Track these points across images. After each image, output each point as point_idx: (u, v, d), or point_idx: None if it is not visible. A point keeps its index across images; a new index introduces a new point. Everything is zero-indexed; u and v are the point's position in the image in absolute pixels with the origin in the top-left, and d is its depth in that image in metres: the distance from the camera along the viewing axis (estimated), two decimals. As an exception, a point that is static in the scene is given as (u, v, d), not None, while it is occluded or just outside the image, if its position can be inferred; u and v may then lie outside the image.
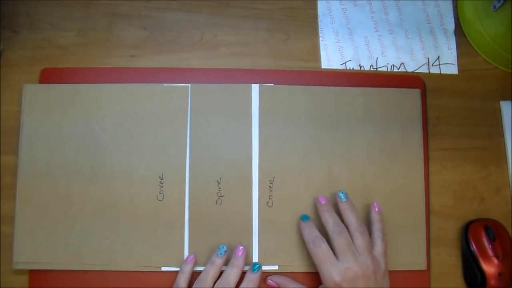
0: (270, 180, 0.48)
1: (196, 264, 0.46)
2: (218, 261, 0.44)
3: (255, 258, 0.46)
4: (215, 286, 0.43)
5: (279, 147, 0.48)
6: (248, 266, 0.45)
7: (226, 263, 0.45)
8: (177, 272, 0.46)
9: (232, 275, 0.43)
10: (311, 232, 0.44)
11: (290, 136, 0.49)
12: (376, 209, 0.46)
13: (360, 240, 0.42)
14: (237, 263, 0.44)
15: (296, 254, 0.47)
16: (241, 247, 0.45)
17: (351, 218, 0.44)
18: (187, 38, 0.52)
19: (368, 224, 0.46)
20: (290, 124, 0.49)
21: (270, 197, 0.48)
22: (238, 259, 0.44)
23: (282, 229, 0.47)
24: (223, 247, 0.45)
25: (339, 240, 0.42)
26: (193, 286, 0.43)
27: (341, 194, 0.46)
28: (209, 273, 0.43)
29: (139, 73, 0.50)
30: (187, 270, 0.45)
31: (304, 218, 0.46)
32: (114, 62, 0.51)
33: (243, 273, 0.45)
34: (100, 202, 0.47)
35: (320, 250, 0.42)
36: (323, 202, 0.45)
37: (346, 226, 0.43)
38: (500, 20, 0.49)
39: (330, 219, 0.44)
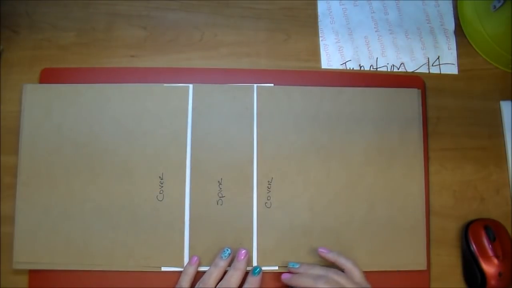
0: (268, 181, 0.48)
1: (199, 265, 0.46)
2: (222, 263, 0.44)
3: (255, 259, 0.46)
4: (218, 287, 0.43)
5: (277, 148, 0.48)
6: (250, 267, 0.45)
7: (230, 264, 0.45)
8: (177, 272, 0.46)
9: (233, 277, 0.43)
10: (308, 275, 0.43)
11: (288, 136, 0.49)
12: (325, 251, 0.45)
13: (356, 273, 0.43)
14: (239, 266, 0.44)
15: (295, 255, 0.47)
16: (244, 251, 0.45)
17: (319, 271, 0.43)
18: (187, 38, 0.52)
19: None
20: (288, 125, 0.49)
21: (269, 198, 0.48)
22: (240, 263, 0.44)
23: (281, 230, 0.47)
24: (227, 250, 0.45)
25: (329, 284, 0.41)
26: (196, 287, 0.43)
27: (290, 265, 0.45)
28: (212, 274, 0.44)
29: (139, 73, 0.50)
30: (190, 271, 0.45)
31: (293, 264, 0.45)
32: (114, 62, 0.51)
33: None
34: (100, 202, 0.47)
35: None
36: (287, 277, 0.45)
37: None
38: (500, 20, 0.49)
39: (306, 278, 0.43)
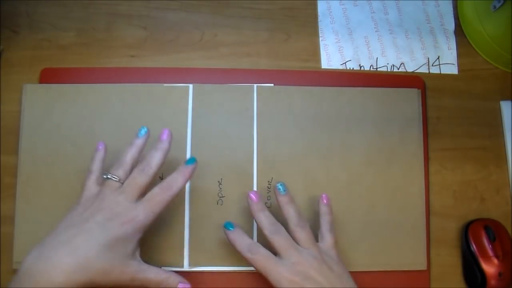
0: (268, 181, 0.48)
1: (106, 150, 0.43)
2: (138, 141, 0.41)
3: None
4: (136, 168, 0.40)
5: (277, 148, 0.48)
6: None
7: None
8: (177, 272, 0.45)
9: (154, 158, 0.40)
10: (243, 240, 0.41)
11: (288, 136, 0.49)
12: (325, 201, 0.44)
13: (301, 235, 0.41)
14: (160, 146, 0.41)
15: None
16: (166, 130, 0.41)
17: (291, 212, 0.42)
18: (187, 38, 0.52)
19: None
20: (288, 125, 0.49)
21: (269, 198, 0.47)
22: (162, 142, 0.41)
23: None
24: (143, 128, 0.42)
25: (278, 239, 0.40)
26: (112, 168, 0.40)
27: (280, 187, 0.43)
28: (128, 152, 0.41)
29: (139, 73, 0.50)
30: (100, 156, 0.42)
31: (229, 226, 0.42)
32: (114, 62, 0.51)
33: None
34: (100, 202, 0.47)
35: (260, 255, 0.40)
36: (255, 201, 0.42)
37: (286, 221, 0.42)
38: (500, 20, 0.49)
39: (264, 219, 0.41)
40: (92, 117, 0.48)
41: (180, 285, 0.39)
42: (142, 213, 0.38)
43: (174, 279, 0.39)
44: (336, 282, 0.39)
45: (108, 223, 0.37)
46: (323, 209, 0.44)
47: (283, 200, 0.43)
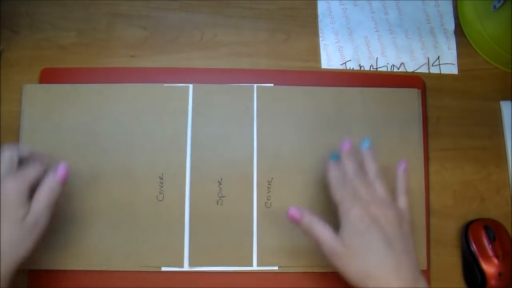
0: (268, 181, 0.48)
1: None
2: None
3: (255, 259, 0.46)
4: None
5: (277, 148, 0.48)
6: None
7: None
8: (176, 272, 0.46)
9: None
10: (337, 173, 0.41)
11: (288, 136, 0.49)
12: (402, 167, 0.44)
13: (380, 188, 0.41)
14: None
15: (295, 255, 0.47)
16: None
17: (371, 165, 0.42)
18: (187, 38, 0.52)
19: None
20: (288, 125, 0.49)
21: (269, 198, 0.47)
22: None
23: (281, 230, 0.47)
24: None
25: (359, 186, 0.40)
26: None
27: (363, 142, 0.44)
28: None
29: (139, 73, 0.50)
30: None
31: (334, 157, 0.43)
32: (114, 62, 0.51)
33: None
34: (100, 202, 0.47)
35: (344, 191, 0.40)
36: (347, 146, 0.43)
37: (366, 173, 0.42)
38: (500, 20, 0.49)
39: (350, 165, 0.42)
40: (92, 117, 0.48)
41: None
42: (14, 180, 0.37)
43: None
44: (399, 239, 0.38)
45: None
46: (400, 174, 0.43)
47: (367, 154, 0.43)
